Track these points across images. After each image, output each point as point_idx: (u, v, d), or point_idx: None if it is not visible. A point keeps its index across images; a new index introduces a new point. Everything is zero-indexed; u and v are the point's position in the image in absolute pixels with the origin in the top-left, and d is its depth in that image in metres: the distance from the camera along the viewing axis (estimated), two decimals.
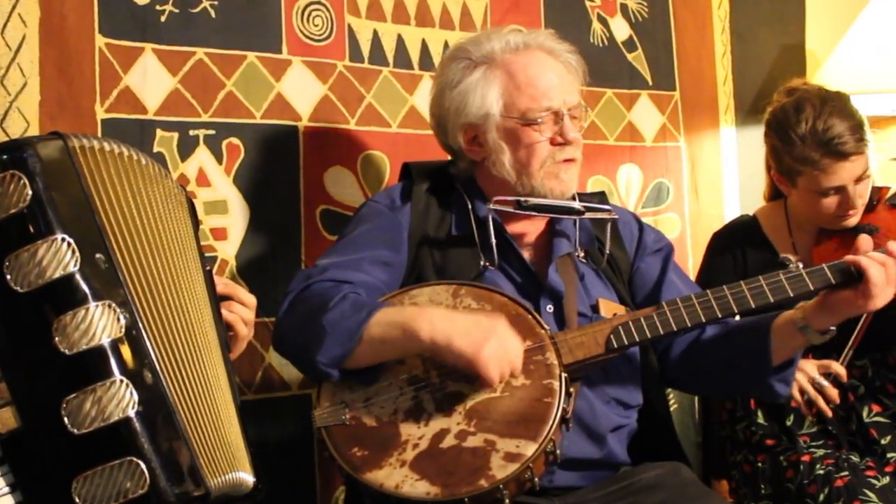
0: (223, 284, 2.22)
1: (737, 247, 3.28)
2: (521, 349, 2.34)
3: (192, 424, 1.86)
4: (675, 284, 2.77)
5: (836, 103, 3.07)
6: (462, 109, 2.65)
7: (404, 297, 2.48)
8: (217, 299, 2.15)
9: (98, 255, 1.80)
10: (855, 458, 3.04)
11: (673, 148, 3.94)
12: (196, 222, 2.19)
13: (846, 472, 2.95)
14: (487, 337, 2.28)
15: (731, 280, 3.14)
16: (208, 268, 2.14)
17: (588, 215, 2.66)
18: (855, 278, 2.48)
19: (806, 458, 3.04)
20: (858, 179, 3.05)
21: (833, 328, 2.55)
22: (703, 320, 2.49)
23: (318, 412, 2.36)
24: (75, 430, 1.72)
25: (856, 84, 3.83)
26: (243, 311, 2.24)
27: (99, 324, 1.75)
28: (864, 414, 3.14)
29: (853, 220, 3.12)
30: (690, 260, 3.86)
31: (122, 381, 1.75)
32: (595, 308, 2.61)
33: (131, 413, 1.74)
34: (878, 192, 3.19)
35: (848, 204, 3.07)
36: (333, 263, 2.53)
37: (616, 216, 2.72)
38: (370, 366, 2.38)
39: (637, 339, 2.47)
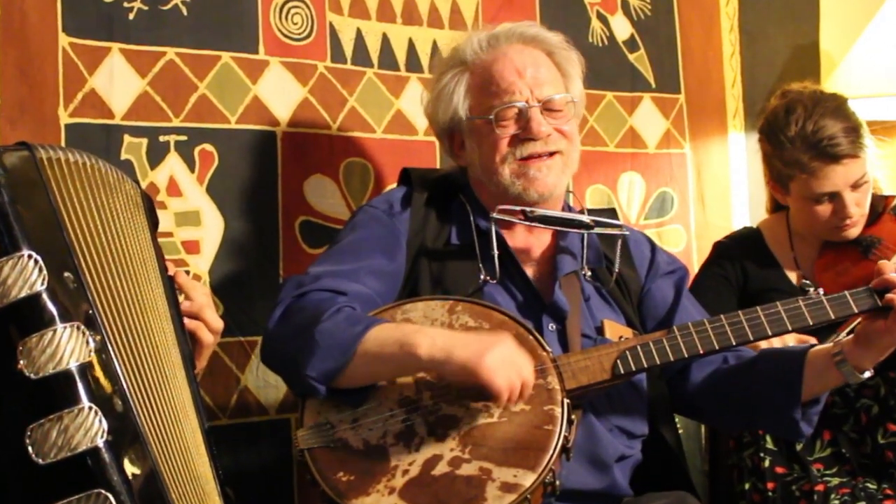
0: (180, 285, 2.22)
1: (738, 259, 3.29)
2: (530, 365, 2.33)
3: (163, 456, 1.86)
4: (689, 311, 2.78)
5: (829, 104, 3.09)
6: (435, 115, 2.77)
7: (397, 312, 2.49)
8: (179, 309, 2.15)
9: (66, 274, 1.80)
10: (872, 486, 3.03)
11: (677, 155, 3.94)
12: (155, 222, 2.19)
13: (863, 503, 2.95)
14: (490, 346, 2.27)
15: (725, 292, 3.15)
16: (169, 273, 2.14)
17: (597, 230, 2.67)
18: (879, 305, 2.49)
19: (820, 487, 3.03)
20: (855, 186, 3.06)
21: (870, 370, 2.56)
22: (717, 347, 2.50)
23: (302, 433, 2.35)
24: (40, 461, 1.71)
25: (873, 86, 3.83)
26: (209, 315, 2.25)
27: (66, 347, 1.74)
28: (879, 436, 3.13)
29: (854, 231, 3.14)
30: None
31: (90, 408, 1.74)
32: (600, 330, 2.62)
33: (100, 442, 1.74)
34: (882, 201, 3.21)
35: (844, 212, 3.08)
36: (328, 272, 2.53)
37: (627, 232, 2.74)
38: (360, 386, 2.37)
39: (645, 365, 2.47)
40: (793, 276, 3.24)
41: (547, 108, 2.66)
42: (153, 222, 2.17)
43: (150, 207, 2.18)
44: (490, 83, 2.67)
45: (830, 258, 3.17)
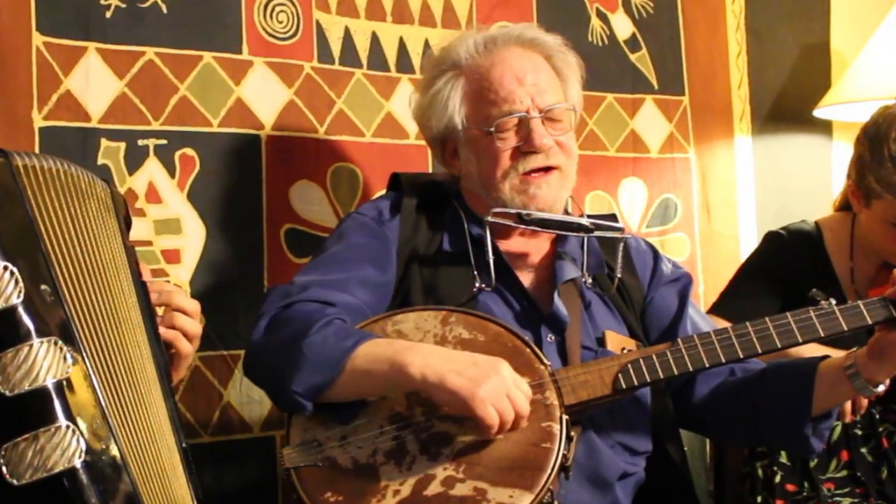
0: (157, 293, 2.20)
1: (794, 258, 3.27)
2: (528, 391, 2.33)
3: (141, 477, 1.86)
4: (694, 321, 2.78)
5: None
6: (427, 122, 2.74)
7: (387, 323, 2.48)
8: (154, 318, 2.13)
9: (43, 287, 1.81)
10: None
11: (681, 160, 3.95)
12: (128, 223, 2.18)
13: None
14: (486, 375, 2.27)
15: (774, 292, 3.12)
16: (144, 279, 2.13)
17: (598, 233, 2.67)
18: (894, 316, 2.49)
19: None
20: None
21: (885, 383, 2.56)
22: (723, 360, 2.50)
23: (288, 451, 2.35)
24: (15, 481, 1.72)
25: (886, 88, 3.82)
26: (188, 324, 2.23)
27: (43, 363, 1.75)
28: None
29: None
30: (702, 286, 3.86)
31: (67, 426, 1.75)
32: (601, 341, 2.62)
33: (77, 463, 1.75)
34: None
35: None
36: (315, 281, 2.53)
37: (628, 235, 2.75)
38: (348, 401, 2.38)
39: (648, 380, 2.47)
40: (848, 293, 3.21)
41: (548, 117, 2.65)
42: (125, 224, 2.16)
43: (121, 208, 2.16)
44: (488, 91, 2.65)
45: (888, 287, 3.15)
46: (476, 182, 2.70)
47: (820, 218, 3.38)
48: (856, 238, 3.26)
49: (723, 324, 3.02)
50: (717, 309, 3.30)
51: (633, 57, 3.87)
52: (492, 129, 2.62)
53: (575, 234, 2.68)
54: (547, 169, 2.65)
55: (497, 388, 2.26)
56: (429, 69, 2.78)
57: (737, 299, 3.20)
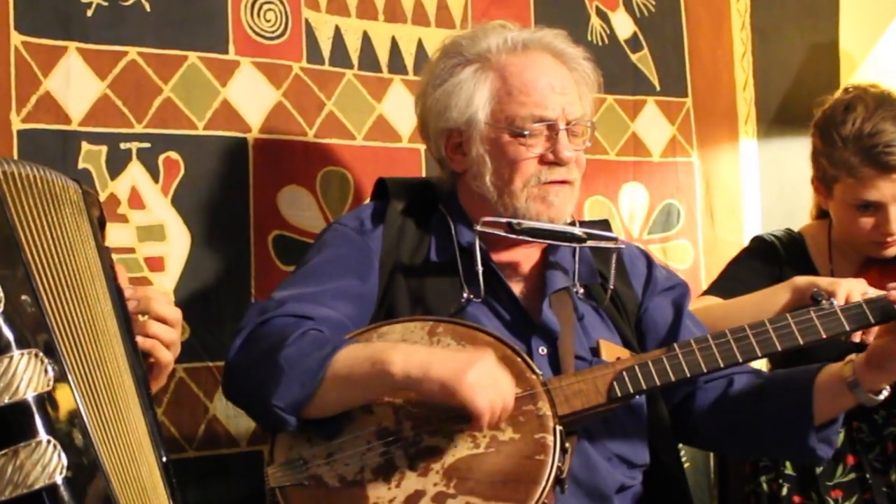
0: (136, 301, 2.19)
1: (777, 260, 3.30)
2: (512, 386, 2.34)
3: (123, 494, 1.87)
4: (691, 332, 2.78)
5: (893, 109, 3.10)
6: (444, 112, 2.71)
7: (373, 335, 2.49)
8: (130, 327, 2.13)
9: (24, 297, 1.81)
10: None
11: (684, 164, 3.97)
12: (101, 222, 2.16)
13: None
14: (471, 363, 2.28)
15: (772, 282, 3.16)
16: (120, 285, 2.13)
17: (590, 243, 2.68)
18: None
19: None
20: None
21: (886, 388, 2.58)
22: (721, 365, 2.52)
23: (273, 470, 2.37)
24: None
25: None
26: (163, 331, 2.22)
27: (24, 376, 1.75)
28: None
29: (894, 250, 3.16)
30: None
31: (48, 441, 1.75)
32: (595, 351, 2.62)
33: (58, 479, 1.75)
34: None
35: (886, 227, 3.09)
36: (292, 296, 2.54)
37: (622, 245, 2.75)
38: (333, 414, 2.38)
39: (644, 387, 2.48)
40: None
41: (571, 131, 2.67)
42: (99, 223, 2.15)
43: (94, 209, 2.14)
44: (520, 92, 2.65)
45: (870, 278, 3.17)
46: (485, 183, 2.69)
47: (800, 227, 3.43)
48: (833, 240, 3.31)
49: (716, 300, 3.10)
50: (709, 291, 3.32)
51: (634, 57, 3.89)
52: (526, 132, 2.62)
53: (567, 243, 2.69)
54: (562, 182, 2.67)
55: (484, 374, 2.28)
56: (447, 55, 2.75)
57: (731, 281, 3.24)
